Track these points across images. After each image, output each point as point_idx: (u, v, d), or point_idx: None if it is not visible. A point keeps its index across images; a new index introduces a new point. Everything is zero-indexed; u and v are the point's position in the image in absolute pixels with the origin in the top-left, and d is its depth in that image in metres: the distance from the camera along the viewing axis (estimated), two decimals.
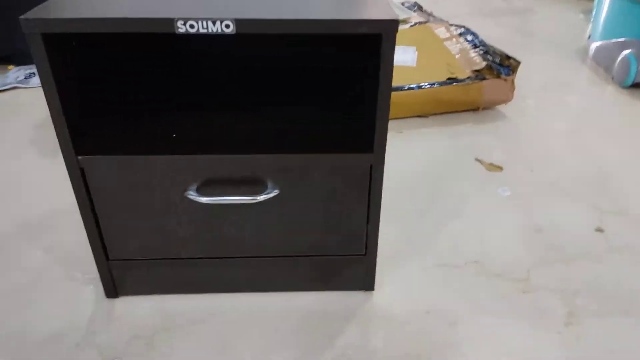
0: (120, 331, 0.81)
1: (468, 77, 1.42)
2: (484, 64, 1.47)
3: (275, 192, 0.76)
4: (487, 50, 1.54)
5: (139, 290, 0.87)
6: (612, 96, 1.61)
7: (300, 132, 0.78)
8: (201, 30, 0.62)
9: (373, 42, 0.67)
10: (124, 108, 0.85)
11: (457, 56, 1.52)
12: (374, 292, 0.88)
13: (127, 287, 0.86)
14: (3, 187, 1.14)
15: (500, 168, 1.23)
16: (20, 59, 1.70)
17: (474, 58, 1.51)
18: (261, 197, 0.75)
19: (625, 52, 1.62)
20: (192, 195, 0.75)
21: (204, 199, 0.75)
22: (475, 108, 1.48)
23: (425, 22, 1.72)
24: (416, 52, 1.53)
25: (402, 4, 1.99)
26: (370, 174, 0.75)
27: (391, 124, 1.38)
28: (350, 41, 0.94)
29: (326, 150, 0.74)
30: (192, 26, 0.62)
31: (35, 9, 0.65)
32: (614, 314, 0.85)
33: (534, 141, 1.35)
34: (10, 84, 1.58)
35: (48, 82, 0.66)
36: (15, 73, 1.64)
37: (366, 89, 0.76)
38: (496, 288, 0.89)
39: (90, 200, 0.76)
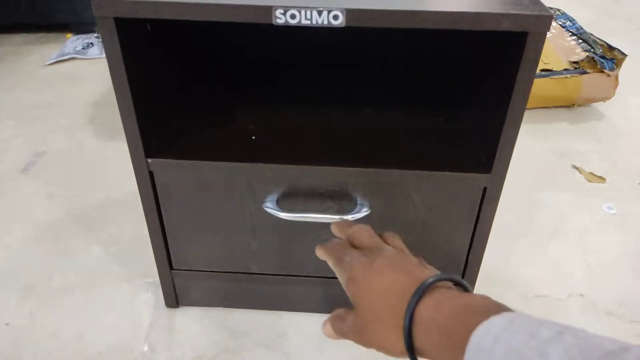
0: (182, 349, 0.73)
1: (565, 69, 1.26)
2: (584, 55, 1.29)
3: (365, 212, 0.65)
4: (585, 39, 1.36)
5: (201, 301, 0.79)
6: None
7: (400, 144, 0.67)
8: (304, 22, 0.51)
9: (512, 41, 0.54)
10: (201, 107, 0.74)
11: (551, 44, 1.34)
12: None
13: (188, 298, 0.78)
14: (57, 170, 1.08)
15: (602, 179, 1.07)
16: (79, 27, 1.64)
17: (572, 47, 1.33)
18: (349, 217, 0.65)
19: None
20: (270, 208, 0.66)
21: (283, 214, 0.65)
22: (569, 104, 1.32)
23: None
24: None
25: None
26: (483, 197, 0.63)
27: None
28: (480, 39, 0.78)
29: (431, 167, 0.62)
30: (293, 16, 0.51)
31: None
32: None
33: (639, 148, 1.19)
34: (68, 54, 1.51)
35: (119, 73, 0.56)
36: (73, 42, 1.57)
37: (493, 96, 0.63)
38: (609, 332, 0.77)
39: (158, 205, 0.67)
